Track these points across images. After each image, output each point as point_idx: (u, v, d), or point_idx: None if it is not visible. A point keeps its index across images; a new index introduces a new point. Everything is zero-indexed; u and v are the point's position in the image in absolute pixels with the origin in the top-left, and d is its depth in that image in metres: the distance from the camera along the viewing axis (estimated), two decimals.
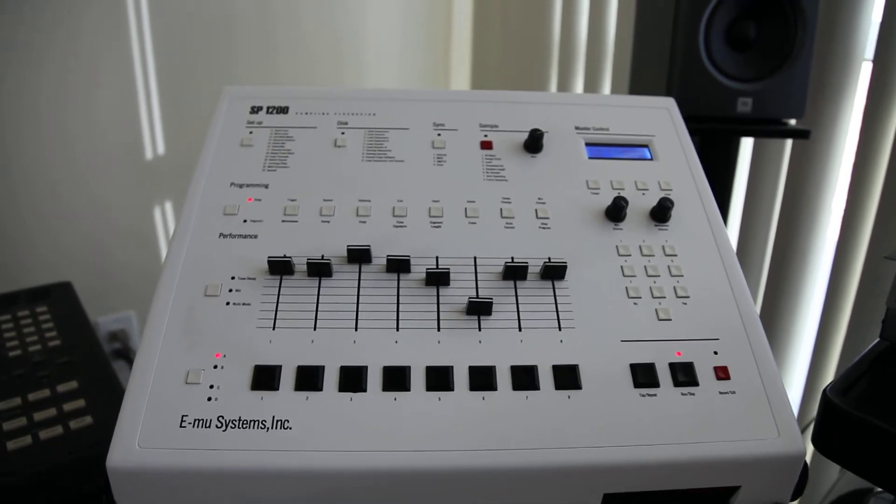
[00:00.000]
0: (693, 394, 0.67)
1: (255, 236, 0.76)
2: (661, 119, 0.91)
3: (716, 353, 0.70)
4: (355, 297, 0.72)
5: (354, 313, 0.70)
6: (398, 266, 0.73)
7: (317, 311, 0.70)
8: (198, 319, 0.69)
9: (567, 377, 0.67)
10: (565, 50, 1.88)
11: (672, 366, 0.69)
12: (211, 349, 0.67)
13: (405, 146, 0.85)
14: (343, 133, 0.85)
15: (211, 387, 0.65)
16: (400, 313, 0.71)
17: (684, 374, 0.68)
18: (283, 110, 0.87)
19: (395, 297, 0.72)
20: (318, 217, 0.78)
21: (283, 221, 0.77)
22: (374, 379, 0.66)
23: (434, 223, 0.78)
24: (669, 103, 0.92)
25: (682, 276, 0.76)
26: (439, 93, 0.90)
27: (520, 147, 0.86)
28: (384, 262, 0.73)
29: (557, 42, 1.93)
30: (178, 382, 0.65)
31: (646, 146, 0.88)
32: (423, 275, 0.73)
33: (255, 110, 0.87)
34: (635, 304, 0.73)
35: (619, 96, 0.93)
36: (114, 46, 2.00)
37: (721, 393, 0.68)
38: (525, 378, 0.66)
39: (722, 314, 0.73)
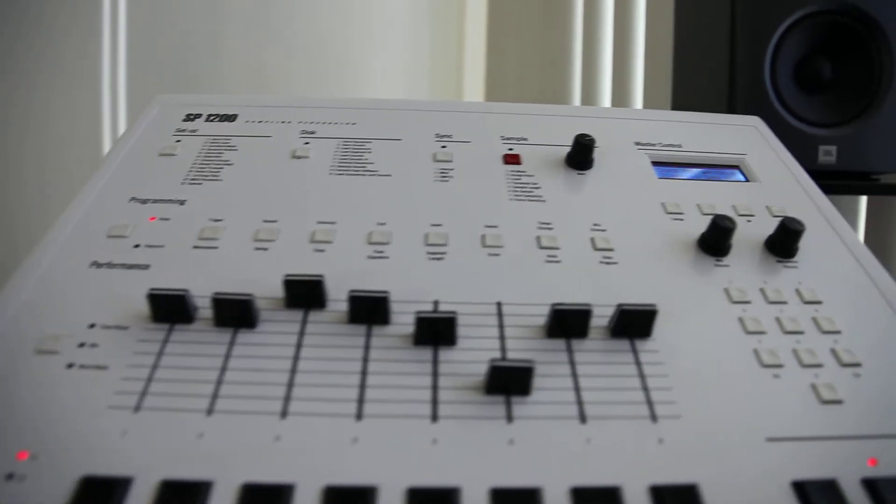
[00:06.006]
0: None
1: (146, 266, 0.42)
2: (749, 137, 0.58)
3: None
4: (290, 361, 0.37)
5: (285, 389, 0.35)
6: (369, 310, 0.38)
7: (219, 383, 0.36)
8: (13, 391, 0.35)
9: None
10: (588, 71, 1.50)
11: (869, 485, 0.32)
12: (13, 444, 0.32)
13: (394, 158, 0.52)
14: (307, 143, 0.53)
15: None
16: (367, 390, 0.35)
17: None
18: (230, 118, 0.56)
19: (361, 364, 0.37)
20: (251, 243, 0.44)
21: (196, 248, 0.43)
22: None
23: (433, 254, 0.44)
24: (756, 122, 0.60)
25: (838, 331, 0.41)
26: (445, 103, 0.59)
27: (559, 162, 0.53)
28: (345, 305, 0.39)
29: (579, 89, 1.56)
30: None
31: (736, 167, 0.55)
32: (412, 327, 0.39)
33: (192, 118, 0.56)
34: (776, 376, 0.38)
35: (688, 113, 0.61)
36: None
37: None
38: None
39: None
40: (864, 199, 0.95)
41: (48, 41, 1.45)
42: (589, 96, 1.46)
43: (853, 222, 0.96)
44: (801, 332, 0.40)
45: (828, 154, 0.77)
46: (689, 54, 0.89)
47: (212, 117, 0.55)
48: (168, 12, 1.53)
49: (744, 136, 0.58)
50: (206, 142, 0.52)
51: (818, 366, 0.38)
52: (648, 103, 1.24)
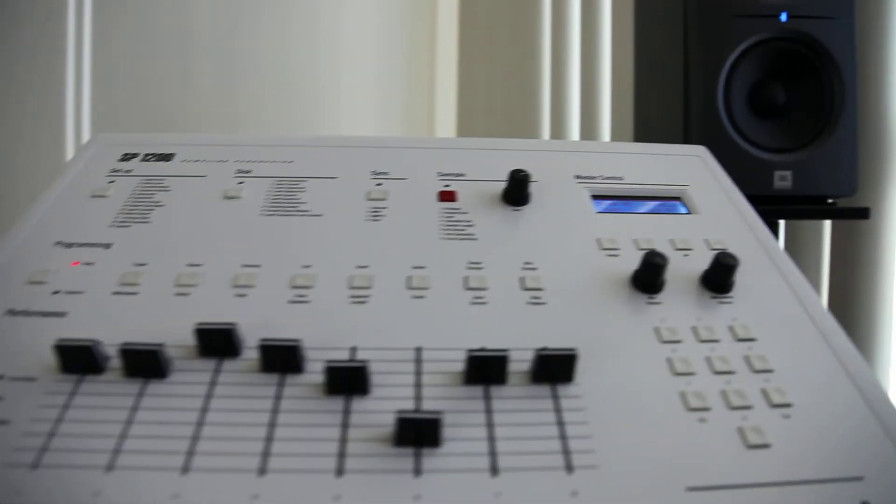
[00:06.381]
0: None
1: (63, 314, 0.40)
2: (692, 168, 0.58)
3: None
4: (197, 413, 0.35)
5: (189, 443, 0.34)
6: (283, 359, 0.37)
7: (122, 437, 0.34)
8: None
9: None
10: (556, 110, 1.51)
11: None
12: None
13: (327, 197, 0.51)
14: (241, 182, 0.53)
15: None
16: (273, 443, 0.34)
17: None
18: (166, 157, 0.55)
19: (270, 416, 0.35)
20: (171, 289, 0.42)
21: (115, 294, 0.42)
22: None
23: (356, 298, 0.42)
24: (701, 151, 0.60)
25: (770, 370, 0.40)
26: (385, 139, 0.58)
27: (496, 198, 0.52)
28: (258, 354, 0.38)
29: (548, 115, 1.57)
30: None
31: (678, 199, 0.54)
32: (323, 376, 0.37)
33: (128, 157, 0.55)
34: (702, 420, 0.37)
35: (632, 144, 0.61)
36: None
37: None
38: None
39: (854, 432, 0.37)
40: (828, 223, 0.94)
41: (10, 87, 1.42)
42: (557, 129, 1.47)
43: (819, 246, 0.95)
44: (731, 372, 0.39)
45: (783, 179, 0.76)
46: (648, 85, 0.89)
47: (148, 157, 0.54)
48: (136, 47, 1.51)
49: (688, 166, 0.57)
50: (139, 182, 0.51)
51: (747, 407, 0.37)
52: (616, 135, 1.24)
